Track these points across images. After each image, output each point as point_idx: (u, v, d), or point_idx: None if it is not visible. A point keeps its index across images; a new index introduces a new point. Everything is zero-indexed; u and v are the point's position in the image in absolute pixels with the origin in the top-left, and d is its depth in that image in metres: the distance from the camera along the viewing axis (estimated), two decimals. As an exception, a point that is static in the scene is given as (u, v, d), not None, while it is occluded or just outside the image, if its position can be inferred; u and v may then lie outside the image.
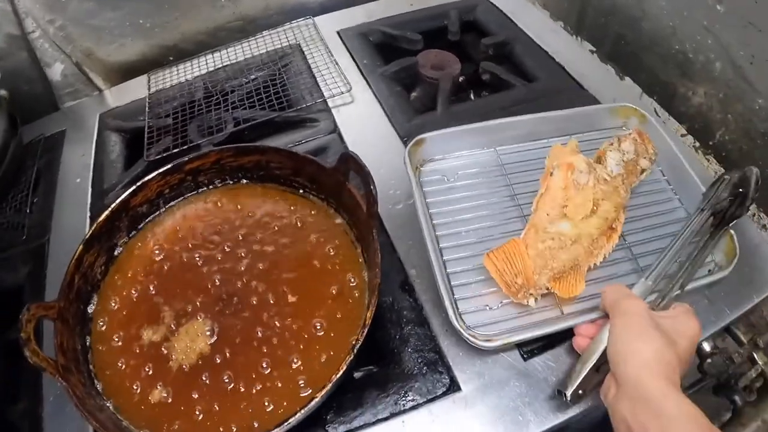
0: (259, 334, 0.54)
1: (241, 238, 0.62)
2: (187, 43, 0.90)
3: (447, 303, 0.52)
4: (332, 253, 0.59)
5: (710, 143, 0.75)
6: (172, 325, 0.56)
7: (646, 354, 0.42)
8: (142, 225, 0.65)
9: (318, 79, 0.82)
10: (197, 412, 0.50)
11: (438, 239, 0.60)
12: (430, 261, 0.56)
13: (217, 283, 0.58)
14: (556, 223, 0.57)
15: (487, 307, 0.56)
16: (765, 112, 0.67)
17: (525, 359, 0.53)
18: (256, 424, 0.49)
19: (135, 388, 0.52)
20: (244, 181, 0.67)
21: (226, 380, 0.52)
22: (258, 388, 0.51)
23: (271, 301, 0.56)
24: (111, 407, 0.52)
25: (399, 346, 0.55)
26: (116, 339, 0.56)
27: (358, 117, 0.77)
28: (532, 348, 0.54)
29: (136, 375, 0.53)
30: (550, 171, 0.60)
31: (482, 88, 0.87)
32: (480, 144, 0.68)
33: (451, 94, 0.78)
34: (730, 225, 0.56)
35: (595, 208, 0.57)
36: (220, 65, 0.87)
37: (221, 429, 0.49)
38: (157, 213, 0.65)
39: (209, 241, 0.62)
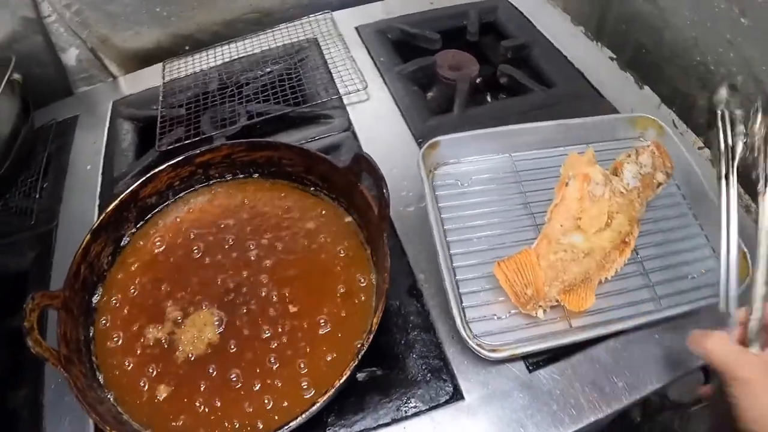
0: (266, 329, 0.54)
1: (248, 232, 0.61)
2: (203, 34, 0.89)
3: (455, 310, 0.52)
4: (342, 254, 0.58)
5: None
6: (178, 317, 0.56)
7: None
8: (150, 216, 0.64)
9: (334, 75, 0.81)
10: (199, 405, 0.50)
11: (448, 245, 0.60)
12: (439, 266, 0.55)
13: (224, 276, 0.58)
14: (569, 235, 0.56)
15: (495, 317, 0.55)
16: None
17: (530, 371, 0.53)
18: (260, 425, 0.48)
19: (141, 383, 0.52)
20: (256, 176, 0.66)
21: (233, 377, 0.51)
22: (260, 385, 0.51)
23: (275, 298, 0.56)
24: (112, 399, 0.52)
25: (404, 351, 0.55)
26: (120, 330, 0.56)
27: (373, 115, 0.76)
28: (537, 360, 0.53)
29: (140, 367, 0.53)
30: (566, 181, 0.59)
31: (500, 91, 0.86)
32: (495, 149, 0.67)
33: (468, 96, 0.77)
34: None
35: (609, 221, 0.56)
36: (236, 57, 0.86)
37: (226, 424, 0.49)
38: (166, 204, 0.65)
39: (216, 235, 0.62)
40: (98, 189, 0.73)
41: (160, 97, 0.80)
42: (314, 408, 0.44)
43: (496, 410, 0.51)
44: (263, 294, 0.57)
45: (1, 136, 0.70)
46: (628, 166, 0.60)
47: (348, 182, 0.58)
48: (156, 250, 0.62)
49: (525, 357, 0.53)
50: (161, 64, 0.86)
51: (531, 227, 0.61)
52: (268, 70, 0.83)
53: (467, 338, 0.51)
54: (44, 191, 0.73)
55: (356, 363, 0.46)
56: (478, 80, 0.84)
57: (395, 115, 0.75)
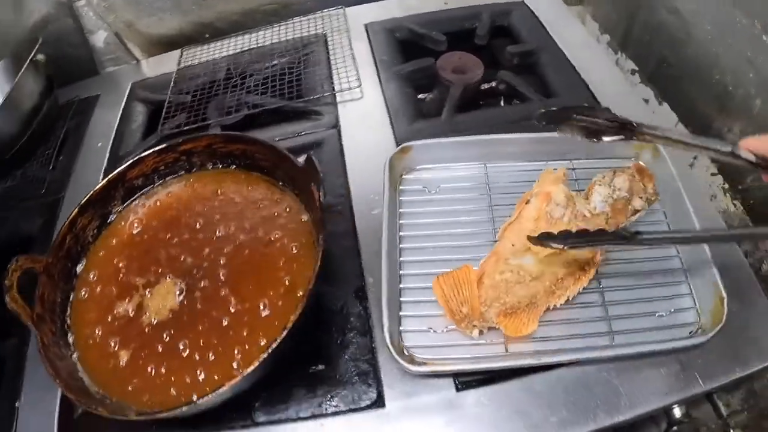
0: (215, 306, 0.56)
1: (217, 219, 0.64)
2: (223, 22, 0.93)
3: (385, 317, 0.52)
4: (294, 251, 0.59)
5: (739, 187, 0.68)
6: (146, 287, 0.60)
7: None
8: (136, 196, 0.68)
9: (333, 71, 0.82)
10: (150, 370, 0.53)
11: (401, 251, 0.59)
12: (381, 272, 0.55)
13: (188, 255, 0.61)
14: (519, 256, 0.54)
15: (432, 330, 0.54)
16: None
17: (458, 390, 0.51)
18: (194, 396, 0.50)
19: (107, 347, 0.56)
20: (233, 167, 0.69)
21: (181, 346, 0.54)
22: (198, 358, 0.53)
23: (227, 280, 0.58)
24: (76, 359, 0.56)
25: (338, 351, 0.55)
26: (94, 297, 0.60)
27: (362, 115, 0.76)
28: (469, 380, 0.51)
29: (108, 333, 0.57)
30: (527, 198, 0.57)
31: (508, 98, 0.83)
32: (470, 157, 0.65)
33: (459, 101, 0.75)
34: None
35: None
36: (247, 48, 0.89)
37: (172, 391, 0.52)
38: (152, 187, 0.69)
39: (188, 219, 0.65)
40: (104, 165, 0.78)
41: (171, 83, 0.85)
42: (236, 380, 0.46)
43: (414, 424, 0.50)
44: (218, 274, 0.59)
45: (24, 110, 0.77)
46: (599, 189, 0.56)
47: (305, 181, 0.59)
48: (135, 229, 0.66)
49: (455, 375, 0.52)
50: (180, 50, 0.90)
51: (491, 243, 0.59)
52: (275, 62, 0.85)
53: (390, 346, 0.50)
54: (58, 163, 0.80)
55: (266, 356, 0.47)
56: (483, 85, 0.81)
57: (383, 116, 0.75)
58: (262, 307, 0.55)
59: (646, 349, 0.50)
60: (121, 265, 0.63)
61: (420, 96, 0.83)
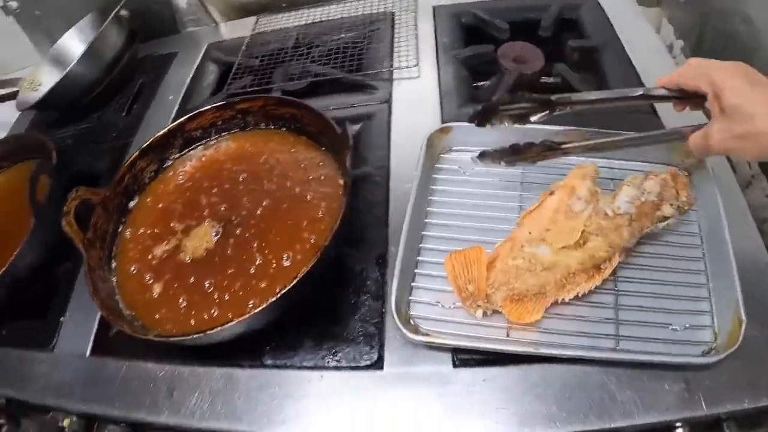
0: (245, 252, 0.61)
1: (260, 175, 0.69)
2: (300, -7, 0.97)
3: (394, 284, 0.54)
4: (321, 214, 0.62)
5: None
6: (187, 228, 0.65)
7: None
8: (193, 147, 0.74)
9: (394, 49, 0.84)
10: (182, 302, 0.59)
11: (425, 225, 0.61)
12: (401, 239, 0.57)
13: (228, 204, 0.66)
14: (534, 244, 0.54)
15: (439, 304, 0.56)
16: None
17: (455, 366, 0.53)
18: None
19: (144, 280, 0.62)
20: (284, 129, 0.73)
21: (207, 285, 0.59)
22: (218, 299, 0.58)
23: (261, 231, 0.62)
24: (115, 284, 0.63)
25: (349, 310, 0.59)
26: (137, 235, 0.67)
27: (415, 93, 0.78)
28: (466, 358, 0.53)
29: (147, 266, 0.63)
30: (552, 190, 0.57)
31: (565, 92, 0.82)
32: (507, 143, 0.65)
33: (513, 89, 0.75)
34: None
35: (582, 241, 0.53)
36: (318, 20, 0.93)
37: (192, 322, 0.57)
38: (208, 140, 0.75)
39: (234, 171, 0.70)
40: (172, 116, 0.85)
41: (243, 47, 0.90)
42: (244, 318, 0.50)
43: (408, 390, 0.52)
44: (253, 225, 0.64)
45: (105, 59, 0.86)
46: (627, 189, 0.55)
47: (342, 148, 0.62)
48: (185, 176, 0.72)
49: (454, 351, 0.53)
50: (256, 17, 0.95)
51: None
52: (341, 36, 0.89)
53: (394, 312, 0.52)
54: (132, 111, 0.88)
55: (274, 299, 0.50)
56: (542, 78, 0.80)
57: (435, 96, 0.76)
58: (285, 259, 0.59)
59: (651, 360, 0.49)
60: (167, 207, 0.69)
61: (477, 84, 0.83)
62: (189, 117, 0.72)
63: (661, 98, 0.50)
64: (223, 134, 0.75)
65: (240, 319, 0.50)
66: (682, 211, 0.56)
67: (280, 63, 0.87)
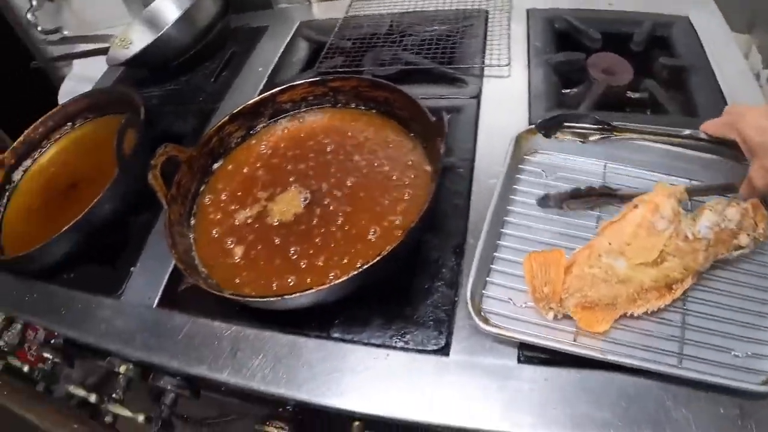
0: (331, 221, 0.64)
1: (347, 150, 0.72)
2: (395, -18, 0.98)
3: (472, 276, 0.56)
4: (407, 198, 0.65)
5: None
6: (273, 194, 0.69)
7: None
8: (281, 117, 0.78)
9: (486, 46, 0.86)
10: (263, 264, 0.62)
11: (505, 223, 0.63)
12: (481, 233, 0.59)
13: (317, 174, 0.70)
14: (612, 256, 0.55)
15: (511, 301, 0.57)
16: None
17: (519, 361, 0.54)
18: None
19: (224, 244, 0.65)
20: (373, 111, 0.75)
21: (292, 251, 0.62)
22: (305, 265, 0.61)
23: (347, 204, 0.65)
24: (192, 240, 0.67)
25: (422, 295, 0.61)
26: (223, 197, 0.71)
27: (504, 92, 0.79)
28: (531, 356, 0.54)
29: (228, 228, 0.67)
30: (635, 204, 0.58)
31: (652, 107, 0.82)
32: (592, 153, 0.66)
33: (602, 99, 0.76)
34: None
35: (659, 260, 0.54)
36: (412, 10, 0.95)
37: (274, 286, 0.60)
38: (297, 112, 0.78)
39: (322, 144, 0.73)
40: (261, 87, 0.89)
41: (336, 28, 0.93)
42: (323, 287, 0.52)
43: (469, 379, 0.54)
44: (340, 196, 0.67)
45: (198, 26, 0.91)
46: (708, 214, 0.56)
47: (433, 136, 0.64)
48: (271, 145, 0.75)
49: (521, 346, 0.55)
50: (350, 0, 0.98)
51: (590, 239, 0.60)
52: (434, 28, 0.91)
53: (469, 302, 0.54)
54: (220, 78, 0.92)
55: (353, 273, 0.52)
56: (628, 93, 0.81)
57: (523, 97, 0.78)
58: (371, 233, 0.61)
59: (713, 381, 0.50)
60: (251, 174, 0.72)
61: (565, 90, 0.84)
62: (282, 89, 0.75)
63: (705, 141, 0.55)
64: (312, 107, 0.78)
65: (320, 287, 0.52)
66: (757, 242, 0.56)
67: (371, 47, 0.89)
